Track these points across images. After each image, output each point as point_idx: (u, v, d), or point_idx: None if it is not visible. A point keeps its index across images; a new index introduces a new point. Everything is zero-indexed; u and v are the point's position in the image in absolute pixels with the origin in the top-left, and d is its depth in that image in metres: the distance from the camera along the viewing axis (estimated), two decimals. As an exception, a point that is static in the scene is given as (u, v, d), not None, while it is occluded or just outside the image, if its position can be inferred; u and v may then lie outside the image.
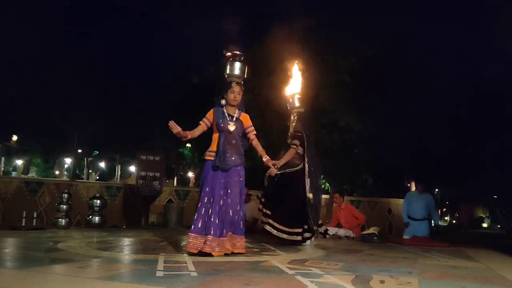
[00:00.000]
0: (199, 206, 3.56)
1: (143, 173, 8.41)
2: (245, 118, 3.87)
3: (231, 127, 3.70)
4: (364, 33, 8.74)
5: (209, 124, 3.78)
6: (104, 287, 2.03)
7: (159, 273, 2.46)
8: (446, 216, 29.67)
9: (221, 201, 3.57)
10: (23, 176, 20.89)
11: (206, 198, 3.57)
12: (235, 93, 3.80)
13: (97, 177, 26.35)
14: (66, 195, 7.02)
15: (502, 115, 13.35)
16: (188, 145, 21.30)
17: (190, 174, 25.67)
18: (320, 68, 8.47)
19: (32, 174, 25.02)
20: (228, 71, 3.94)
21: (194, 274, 2.48)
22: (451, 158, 13.99)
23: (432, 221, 7.47)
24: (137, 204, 8.52)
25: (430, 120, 10.84)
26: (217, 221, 3.50)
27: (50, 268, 2.61)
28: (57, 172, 27.06)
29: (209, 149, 3.73)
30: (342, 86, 8.41)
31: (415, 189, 7.83)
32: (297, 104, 5.13)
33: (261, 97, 8.78)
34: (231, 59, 3.92)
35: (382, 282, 2.46)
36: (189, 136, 3.65)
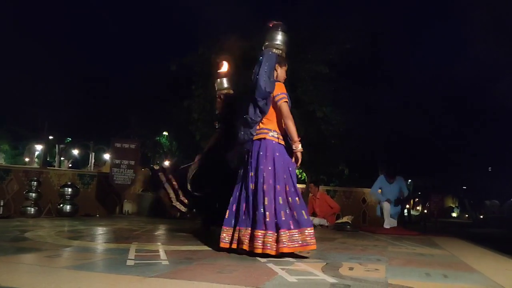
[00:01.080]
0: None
1: (117, 161, 8.26)
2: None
3: None
4: (343, 26, 8.81)
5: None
6: (71, 277, 1.98)
7: (130, 262, 2.43)
8: (418, 206, 30.61)
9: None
10: (-10, 163, 20.15)
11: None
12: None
13: (70, 165, 25.71)
14: (35, 182, 6.82)
15: (472, 110, 13.81)
16: (165, 133, 21.03)
17: (167, 163, 25.43)
18: (298, 59, 8.49)
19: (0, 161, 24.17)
20: (279, 42, 3.38)
21: (166, 263, 2.46)
22: (422, 150, 14.40)
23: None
24: (111, 192, 8.38)
25: (404, 113, 11.09)
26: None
27: (15, 258, 2.54)
28: (27, 159, 26.23)
29: (274, 129, 3.20)
30: (320, 78, 8.46)
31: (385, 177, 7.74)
32: (225, 85, 4.74)
33: (240, 86, 8.75)
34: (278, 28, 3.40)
35: (351, 269, 2.51)
36: None
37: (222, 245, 3.00)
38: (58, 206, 7.17)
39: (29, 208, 6.61)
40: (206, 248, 3.29)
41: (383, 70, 9.81)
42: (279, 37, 3.36)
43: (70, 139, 24.45)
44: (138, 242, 3.44)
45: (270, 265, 2.51)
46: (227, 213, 3.09)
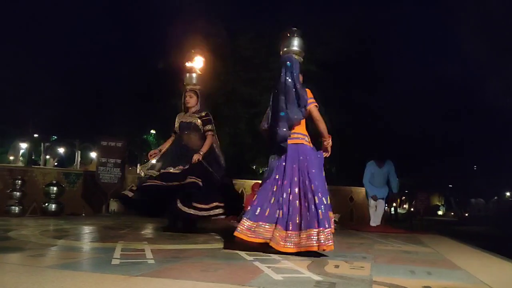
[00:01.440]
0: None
1: (103, 160, 8.17)
2: None
3: None
4: (331, 25, 8.86)
5: None
6: (54, 276, 1.96)
7: (115, 261, 2.41)
8: (405, 204, 31.01)
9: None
10: (-26, 161, 19.76)
11: None
12: None
13: (56, 163, 25.34)
14: (19, 181, 6.71)
15: (458, 109, 14.03)
16: (153, 131, 20.88)
17: (154, 161, 25.20)
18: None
19: (-16, 159, 23.70)
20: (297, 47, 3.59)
21: (152, 261, 2.45)
22: (409, 149, 14.56)
23: (392, 188, 7.42)
24: (97, 191, 8.29)
25: (391, 112, 11.18)
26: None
27: (-2, 257, 2.49)
28: (11, 158, 25.78)
29: (305, 133, 3.47)
30: (308, 76, 8.49)
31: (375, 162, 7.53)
32: (194, 80, 4.67)
33: (228, 85, 8.76)
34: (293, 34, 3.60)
35: (336, 266, 2.54)
36: None
37: (248, 239, 3.07)
38: (43, 205, 7.06)
39: (13, 207, 6.49)
40: (192, 247, 3.29)
41: (371, 70, 9.89)
42: (297, 43, 3.59)
43: (55, 137, 24.08)
44: (124, 241, 3.42)
45: (256, 263, 2.52)
46: (257, 210, 3.13)
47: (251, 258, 2.73)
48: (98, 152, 8.73)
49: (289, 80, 3.38)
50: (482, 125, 14.81)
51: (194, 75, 4.68)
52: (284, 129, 3.28)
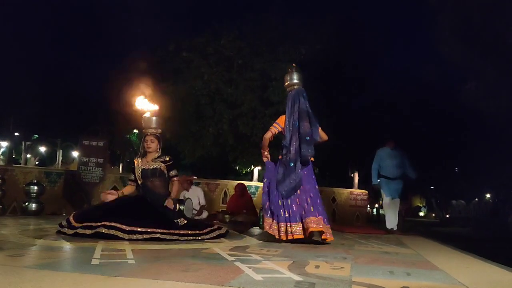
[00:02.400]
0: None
1: (85, 159, 8.05)
2: None
3: None
4: (312, 27, 8.93)
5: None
6: (33, 276, 1.94)
7: (95, 261, 2.39)
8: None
9: None
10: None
11: None
12: None
13: (37, 162, 24.86)
14: (-1, 180, 6.58)
15: (439, 111, 14.28)
16: (135, 131, 20.66)
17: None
18: (269, 58, 8.56)
19: (-38, 158, 23.09)
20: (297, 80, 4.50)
21: (132, 262, 2.44)
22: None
23: (409, 173, 6.66)
24: (79, 191, 8.17)
25: (373, 114, 11.34)
26: None
27: (-25, 257, 2.44)
28: (-9, 156, 25.18)
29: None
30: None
31: (386, 146, 6.81)
32: (153, 124, 4.55)
33: (212, 85, 8.74)
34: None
35: (317, 267, 2.57)
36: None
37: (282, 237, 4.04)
38: (23, 205, 6.93)
39: (-8, 206, 6.36)
40: (173, 247, 3.28)
41: (353, 71, 10.01)
42: (299, 76, 4.53)
43: (37, 136, 23.63)
44: (105, 241, 3.38)
45: (237, 263, 2.53)
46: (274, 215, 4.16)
47: (232, 258, 2.74)
48: (79, 152, 8.60)
49: (308, 107, 4.29)
50: (464, 127, 15.10)
51: (153, 118, 4.57)
52: (310, 151, 4.20)
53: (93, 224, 3.67)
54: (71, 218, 3.91)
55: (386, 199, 6.62)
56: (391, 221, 6.55)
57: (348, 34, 9.71)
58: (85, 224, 3.72)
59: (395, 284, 2.14)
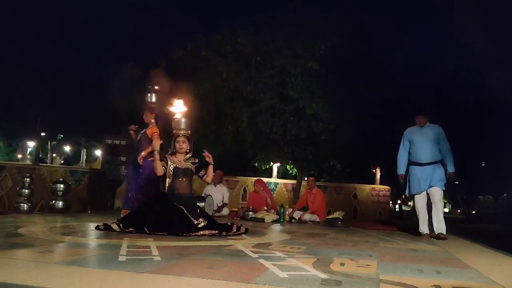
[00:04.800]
0: None
1: (109, 158, 8.23)
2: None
3: None
4: (332, 20, 8.80)
5: None
6: (63, 272, 1.98)
7: (122, 258, 2.43)
8: (410, 201, 30.91)
9: None
10: (-18, 159, 19.96)
11: None
12: None
13: (62, 161, 25.56)
14: (28, 179, 6.78)
15: (465, 103, 13.88)
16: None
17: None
18: (287, 55, 8.49)
19: (-6, 158, 23.97)
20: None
21: (157, 258, 2.47)
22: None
23: (446, 164, 5.09)
24: (103, 189, 8.35)
25: (394, 108, 11.12)
26: None
27: (9, 253, 2.52)
28: (19, 156, 26.05)
29: None
30: (310, 73, 8.46)
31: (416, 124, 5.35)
32: (183, 126, 4.68)
33: (231, 83, 8.75)
34: None
35: (342, 264, 2.53)
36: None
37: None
38: (50, 203, 7.13)
39: (22, 204, 6.58)
40: (196, 244, 3.30)
41: (374, 64, 9.79)
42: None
43: (62, 136, 24.27)
44: (130, 238, 3.44)
45: (261, 260, 2.52)
46: None
47: (255, 255, 2.74)
48: (103, 150, 8.78)
49: None
50: (490, 120, 14.59)
51: (183, 120, 4.70)
52: None
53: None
54: (121, 225, 4.11)
55: (415, 192, 5.22)
56: (423, 221, 5.19)
57: (369, 26, 9.52)
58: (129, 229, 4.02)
59: (425, 283, 2.07)
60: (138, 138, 5.70)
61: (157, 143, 4.55)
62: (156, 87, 5.91)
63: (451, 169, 5.02)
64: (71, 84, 18.29)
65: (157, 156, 4.43)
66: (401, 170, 5.29)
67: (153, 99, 5.88)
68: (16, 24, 18.32)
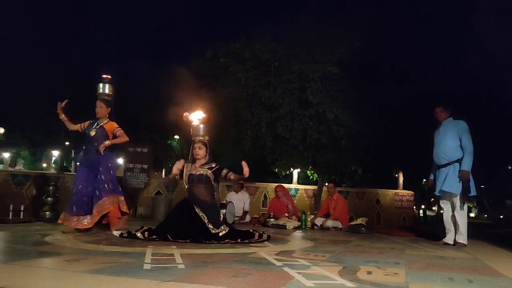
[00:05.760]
0: None
1: (130, 165, 8.36)
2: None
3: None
4: (350, 24, 8.73)
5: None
6: (91, 281, 2.00)
7: (147, 266, 2.44)
8: (434, 206, 30.17)
9: None
10: (10, 169, 20.57)
11: None
12: None
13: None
14: (52, 187, 6.93)
15: (491, 103, 13.48)
16: (176, 136, 21.16)
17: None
18: (306, 59, 8.46)
19: (19, 167, 24.69)
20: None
21: (182, 266, 2.47)
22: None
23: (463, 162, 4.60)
24: (125, 196, 8.46)
25: (418, 110, 10.85)
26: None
27: (37, 262, 2.57)
28: (44, 165, 26.73)
29: None
30: (329, 78, 8.40)
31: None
32: (201, 132, 4.68)
33: (249, 89, 8.77)
34: None
35: (369, 273, 2.48)
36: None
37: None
38: (75, 211, 7.25)
39: (47, 212, 6.72)
40: (220, 251, 3.29)
41: (394, 68, 9.63)
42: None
43: (85, 144, 24.81)
44: (153, 246, 3.46)
45: (286, 269, 2.49)
46: None
47: (279, 263, 2.71)
48: (125, 158, 8.93)
49: None
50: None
51: (201, 126, 4.71)
52: None
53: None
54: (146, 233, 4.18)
55: (437, 197, 5.02)
56: (448, 230, 4.84)
57: (389, 27, 9.35)
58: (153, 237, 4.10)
59: (457, 292, 2.01)
60: (91, 133, 5.34)
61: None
62: (109, 76, 5.49)
63: (464, 166, 4.55)
64: (93, 94, 18.71)
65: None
66: (430, 175, 5.07)
67: (106, 90, 5.51)
68: (38, 33, 18.96)
